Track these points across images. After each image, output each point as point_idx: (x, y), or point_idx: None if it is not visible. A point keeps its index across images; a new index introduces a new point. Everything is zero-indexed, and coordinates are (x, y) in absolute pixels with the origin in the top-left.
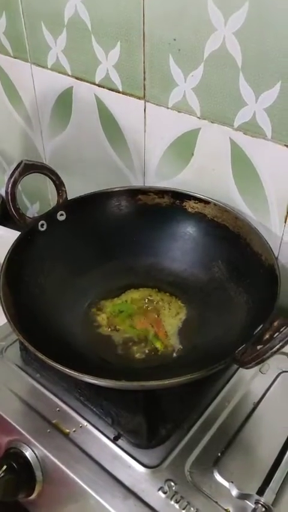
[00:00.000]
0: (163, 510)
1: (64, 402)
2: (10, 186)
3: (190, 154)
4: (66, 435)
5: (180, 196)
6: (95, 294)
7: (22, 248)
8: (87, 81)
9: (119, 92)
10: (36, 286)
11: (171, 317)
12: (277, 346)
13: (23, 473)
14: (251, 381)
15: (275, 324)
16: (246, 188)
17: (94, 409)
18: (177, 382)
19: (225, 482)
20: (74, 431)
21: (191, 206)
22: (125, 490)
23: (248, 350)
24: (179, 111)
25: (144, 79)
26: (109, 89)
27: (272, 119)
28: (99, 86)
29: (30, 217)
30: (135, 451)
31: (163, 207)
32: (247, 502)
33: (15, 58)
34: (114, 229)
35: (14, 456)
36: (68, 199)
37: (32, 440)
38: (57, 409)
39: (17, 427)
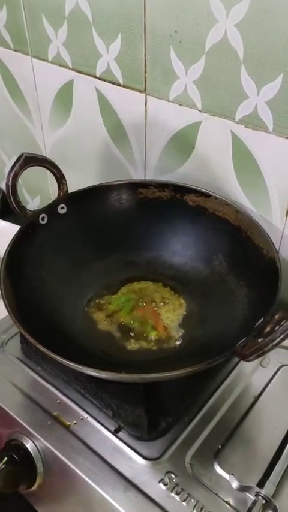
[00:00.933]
0: (164, 502)
1: (65, 395)
2: (11, 179)
3: (191, 148)
4: (67, 427)
5: (181, 190)
6: (95, 288)
7: (23, 241)
8: (88, 74)
9: (119, 85)
10: (36, 279)
11: (172, 310)
12: (278, 339)
13: (24, 465)
14: (251, 374)
15: (276, 316)
16: (247, 181)
17: (95, 402)
18: (178, 374)
19: (226, 474)
20: (75, 423)
21: (191, 200)
22: (126, 482)
23: (249, 343)
24: (180, 104)
25: (145, 72)
26: (110, 82)
27: (274, 112)
28: (100, 79)
29: (31, 211)
30: (135, 444)
31: (164, 201)
32: (247, 494)
33: (15, 51)
34: (114, 223)
35: (15, 448)
36: (69, 192)
37: (33, 432)
38: (58, 401)
39: (17, 419)
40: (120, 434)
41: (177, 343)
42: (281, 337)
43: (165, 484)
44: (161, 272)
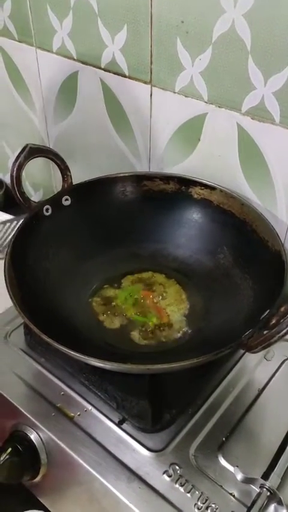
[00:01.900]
0: (168, 493)
1: (68, 386)
2: (15, 169)
3: (197, 140)
4: (71, 419)
5: (186, 182)
6: (99, 280)
7: (27, 232)
8: (93, 66)
9: (125, 77)
10: (40, 271)
11: (176, 303)
12: (284, 331)
13: (28, 455)
14: (256, 367)
15: (282, 309)
16: (253, 174)
17: (99, 394)
18: (184, 365)
19: (230, 466)
20: (79, 415)
21: (196, 192)
22: (130, 472)
23: (255, 335)
24: (185, 96)
25: (151, 63)
26: (115, 73)
27: (281, 103)
28: (105, 70)
29: (35, 202)
30: (139, 435)
31: (169, 193)
32: (252, 486)
33: (20, 42)
34: (119, 215)
35: (19, 439)
36: (73, 184)
37: (37, 423)
38: (62, 393)
39: (22, 410)
40: (124, 425)
41: (182, 335)
42: (287, 329)
43: (170, 476)
44: (165, 265)
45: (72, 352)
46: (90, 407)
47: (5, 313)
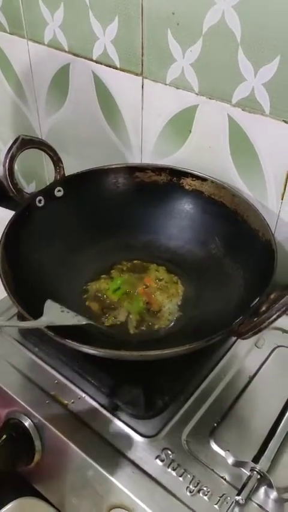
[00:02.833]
0: (160, 477)
1: (62, 375)
2: (8, 161)
3: (188, 132)
4: (65, 406)
5: (177, 174)
6: (92, 270)
7: (20, 224)
8: (85, 58)
9: (116, 68)
10: (34, 262)
11: (168, 292)
12: (274, 316)
13: (22, 442)
14: (246, 355)
15: (272, 296)
16: (243, 165)
17: (92, 381)
18: (176, 351)
19: (221, 451)
20: (73, 402)
21: (188, 183)
22: (123, 458)
23: (245, 322)
24: (177, 88)
25: (142, 54)
26: (107, 65)
27: (271, 94)
28: (96, 62)
29: (27, 193)
30: (132, 421)
31: (160, 185)
32: (243, 469)
33: (11, 34)
34: (111, 206)
35: (13, 426)
36: (66, 175)
37: (31, 410)
38: (56, 381)
39: (16, 398)
40: (118, 412)
41: (174, 324)
42: (277, 314)
43: (162, 460)
44: (158, 255)
45: (66, 340)
46: (83, 395)
47: None
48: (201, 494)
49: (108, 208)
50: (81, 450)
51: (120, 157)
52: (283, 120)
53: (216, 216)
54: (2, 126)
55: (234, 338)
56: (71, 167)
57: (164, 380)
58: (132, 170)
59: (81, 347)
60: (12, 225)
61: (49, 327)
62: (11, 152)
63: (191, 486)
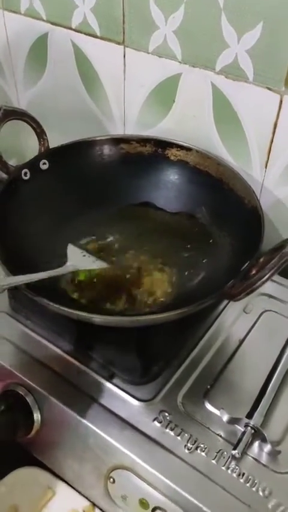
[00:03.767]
0: (159, 438)
1: (57, 346)
2: None
3: (171, 101)
4: (61, 376)
5: (162, 144)
6: (80, 242)
7: (7, 197)
8: (64, 26)
9: (97, 37)
10: (22, 235)
11: (156, 264)
12: (267, 276)
13: (21, 412)
14: (235, 321)
15: (261, 260)
16: (227, 134)
17: (87, 351)
18: (170, 315)
19: (216, 410)
20: (69, 372)
21: (173, 154)
22: (122, 421)
23: (236, 285)
24: (159, 56)
25: (124, 22)
26: (87, 34)
27: (254, 61)
28: (76, 31)
29: (13, 166)
30: (129, 388)
31: (145, 156)
32: (237, 426)
33: None
34: (97, 178)
35: (11, 397)
36: (50, 148)
37: (28, 381)
38: (50, 352)
39: (11, 369)
40: (114, 380)
41: (165, 296)
42: (270, 273)
43: (160, 422)
44: (144, 227)
45: (62, 308)
46: (79, 364)
47: None
48: (199, 451)
49: (94, 180)
50: (80, 416)
51: (102, 130)
52: (266, 87)
53: (202, 186)
54: None
55: (222, 306)
56: (52, 141)
57: (158, 347)
58: (117, 142)
59: (79, 314)
60: (0, 198)
61: (47, 297)
62: None
63: (188, 444)
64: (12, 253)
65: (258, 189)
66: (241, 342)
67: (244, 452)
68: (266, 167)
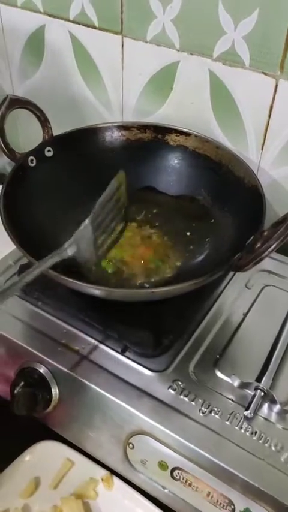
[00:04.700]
0: (174, 403)
1: (69, 324)
2: None
3: (169, 89)
4: (77, 352)
5: (161, 130)
6: None
7: (16, 184)
8: (61, 18)
9: (95, 28)
10: (33, 221)
11: (162, 244)
12: (274, 245)
13: (39, 388)
14: (239, 295)
15: (265, 233)
16: (225, 119)
17: (100, 328)
18: (184, 287)
19: (226, 377)
20: (83, 348)
21: (172, 139)
22: (138, 391)
23: (243, 257)
24: (157, 45)
25: (122, 12)
26: (84, 25)
27: (250, 47)
28: (73, 22)
29: (19, 153)
30: (142, 360)
31: (146, 142)
32: (247, 390)
33: None
34: (100, 165)
35: (29, 373)
36: (54, 136)
37: (44, 357)
38: (64, 330)
39: (28, 347)
40: (127, 353)
41: (172, 274)
42: (276, 243)
43: (174, 390)
44: (147, 210)
45: (79, 283)
46: (93, 340)
47: None
48: (213, 414)
49: (96, 167)
50: (97, 387)
51: (100, 119)
52: (262, 72)
53: (202, 169)
54: None
55: (225, 283)
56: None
57: (168, 321)
58: (118, 129)
59: (96, 288)
60: (9, 186)
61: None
62: (0, 112)
63: (203, 408)
64: (26, 243)
65: (255, 171)
66: (245, 314)
67: (255, 413)
68: (262, 149)
